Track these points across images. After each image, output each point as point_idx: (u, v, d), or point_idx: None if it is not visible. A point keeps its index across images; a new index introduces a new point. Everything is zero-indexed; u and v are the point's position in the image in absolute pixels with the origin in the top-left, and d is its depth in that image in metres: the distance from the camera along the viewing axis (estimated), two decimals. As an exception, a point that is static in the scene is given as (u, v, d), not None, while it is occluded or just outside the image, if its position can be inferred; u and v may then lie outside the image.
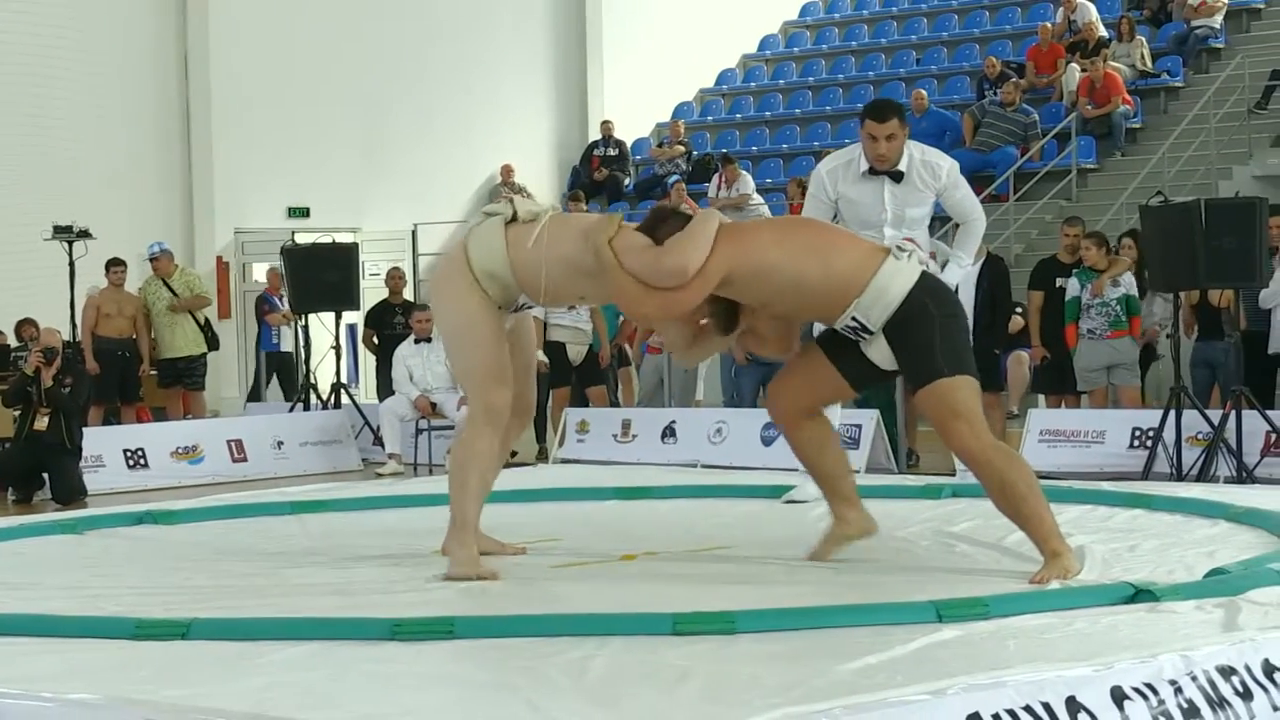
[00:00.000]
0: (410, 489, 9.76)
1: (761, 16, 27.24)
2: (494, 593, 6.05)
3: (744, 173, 22.01)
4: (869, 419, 13.02)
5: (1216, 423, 11.84)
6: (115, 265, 16.98)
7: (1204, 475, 11.52)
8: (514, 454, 12.92)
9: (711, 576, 6.25)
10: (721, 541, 6.91)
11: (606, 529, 7.51)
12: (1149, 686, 4.32)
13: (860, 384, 6.52)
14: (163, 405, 17.33)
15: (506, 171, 24.39)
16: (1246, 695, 4.48)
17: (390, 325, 16.77)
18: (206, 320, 17.38)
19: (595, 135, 25.18)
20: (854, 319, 6.10)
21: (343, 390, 16.29)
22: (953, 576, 6.04)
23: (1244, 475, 11.56)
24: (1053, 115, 21.66)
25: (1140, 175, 19.55)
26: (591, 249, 6.15)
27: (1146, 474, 11.71)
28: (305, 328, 16.97)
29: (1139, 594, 5.29)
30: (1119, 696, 4.24)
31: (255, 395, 18.88)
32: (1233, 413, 11.81)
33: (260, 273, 22.18)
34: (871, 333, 6.13)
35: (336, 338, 16.58)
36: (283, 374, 19.45)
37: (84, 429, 13.88)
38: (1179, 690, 4.36)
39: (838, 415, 8.57)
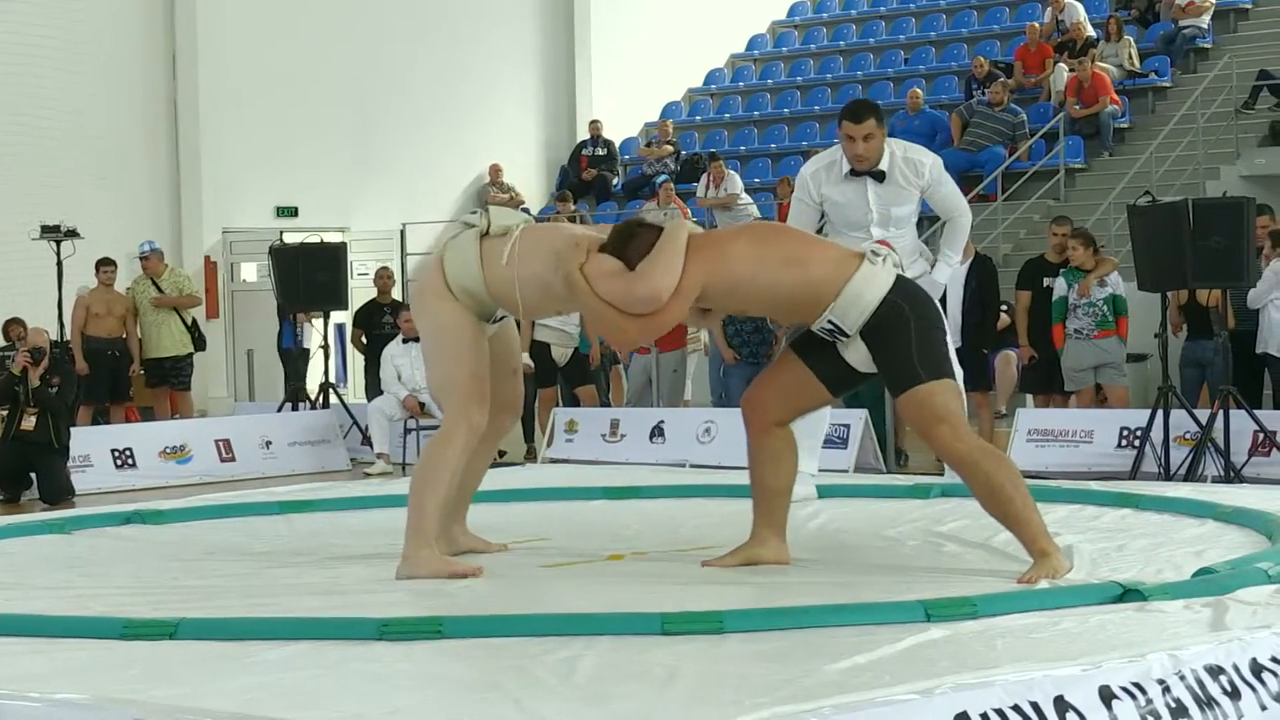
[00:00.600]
0: (398, 489, 9.69)
1: (749, 16, 27.24)
2: (482, 593, 6.04)
3: (732, 172, 22.03)
4: (857, 419, 13.02)
5: (1204, 422, 11.85)
6: (105, 265, 16.96)
7: (1192, 475, 11.54)
8: (502, 454, 12.98)
9: (700, 576, 6.25)
10: (710, 541, 6.90)
11: (595, 529, 7.50)
12: (1137, 686, 4.32)
13: (838, 388, 6.47)
14: (151, 405, 17.31)
15: (495, 171, 24.40)
16: (1234, 694, 4.48)
17: (378, 325, 16.74)
18: (194, 320, 17.36)
19: (583, 135, 25.17)
20: (830, 322, 6.09)
21: (331, 390, 16.27)
22: (941, 576, 6.04)
23: (1232, 475, 11.57)
24: (1041, 115, 21.68)
25: (1128, 175, 19.56)
26: (562, 275, 6.07)
27: (1135, 473, 11.72)
28: (295, 328, 16.94)
29: (1127, 593, 5.29)
30: (1107, 696, 4.24)
31: (294, 397, 16.95)
32: (1220, 412, 11.82)
33: (249, 272, 22.17)
34: (848, 335, 6.12)
35: (325, 338, 16.56)
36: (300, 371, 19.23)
37: (72, 429, 13.87)
38: (1167, 690, 4.36)
39: (826, 416, 8.59)
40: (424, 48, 24.02)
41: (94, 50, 21.53)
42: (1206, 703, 4.40)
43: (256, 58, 22.48)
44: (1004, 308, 14.52)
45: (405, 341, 14.99)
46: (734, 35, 27.13)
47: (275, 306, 17.62)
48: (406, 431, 14.92)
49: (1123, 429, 12.63)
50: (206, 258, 22.16)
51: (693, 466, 12.60)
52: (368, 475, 14.07)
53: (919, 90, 22.43)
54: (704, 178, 22.12)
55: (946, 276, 8.81)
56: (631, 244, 6.07)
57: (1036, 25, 23.18)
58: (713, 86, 26.73)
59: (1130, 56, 21.93)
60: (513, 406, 6.83)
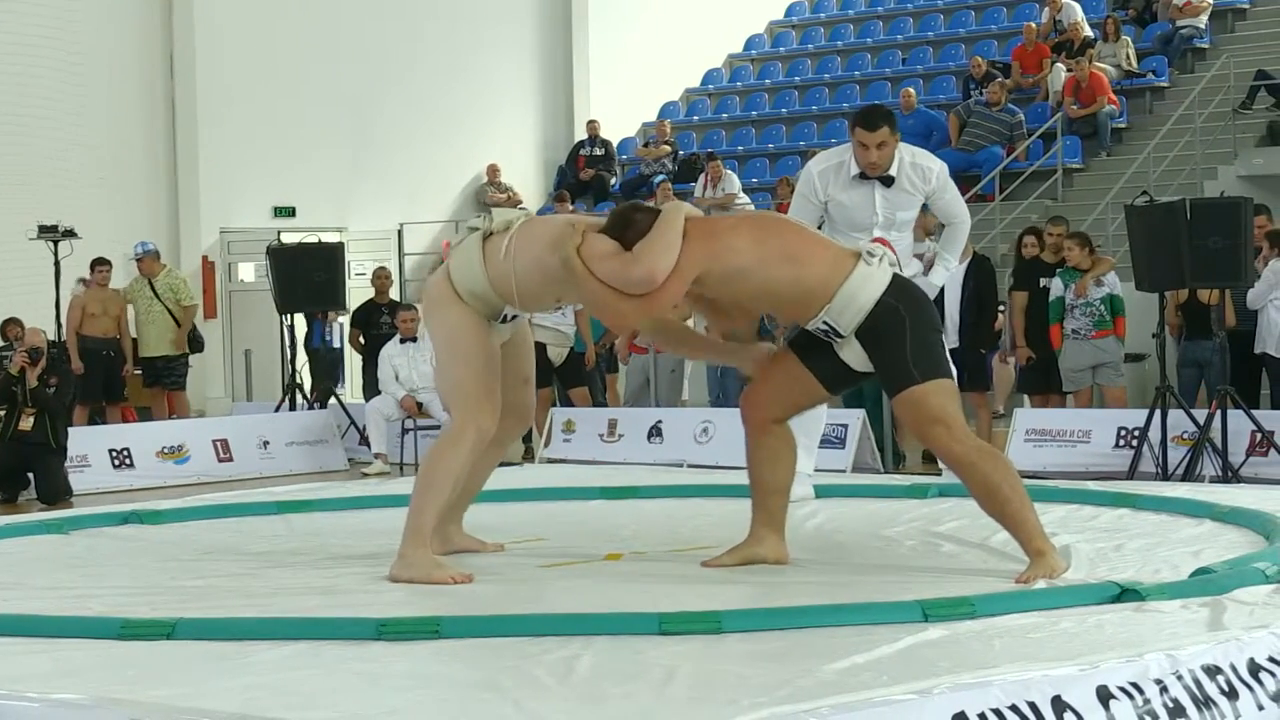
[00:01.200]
0: (396, 489, 9.72)
1: (747, 16, 27.25)
2: (480, 593, 6.04)
3: (729, 172, 22.03)
4: (855, 418, 13.03)
5: (1202, 422, 11.86)
6: (100, 265, 16.97)
7: (1189, 475, 11.54)
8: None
9: (698, 576, 6.24)
10: (708, 541, 6.89)
11: (592, 529, 7.49)
12: (1135, 686, 4.31)
13: (835, 386, 6.47)
14: (148, 405, 17.31)
15: (492, 171, 24.40)
16: (1232, 694, 4.48)
17: (376, 325, 16.75)
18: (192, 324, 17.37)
19: (581, 135, 25.17)
20: (825, 323, 6.09)
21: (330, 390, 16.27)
22: (939, 576, 6.03)
23: (1229, 475, 11.58)
24: (1038, 115, 21.68)
25: (1126, 175, 19.57)
26: (560, 257, 6.07)
27: (1132, 473, 11.73)
28: (291, 328, 16.92)
29: (1125, 593, 5.29)
30: (1105, 696, 4.24)
31: (324, 397, 16.83)
32: (1219, 412, 11.83)
33: (246, 272, 22.16)
34: (843, 336, 6.12)
35: (324, 338, 16.56)
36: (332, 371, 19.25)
37: (69, 429, 13.87)
38: (1165, 689, 4.36)
39: (823, 415, 8.59)
40: (422, 48, 24.02)
41: (92, 51, 21.52)
42: (1204, 703, 4.40)
43: (254, 58, 22.48)
44: (1000, 308, 14.54)
45: (403, 341, 15.00)
46: (731, 35, 27.14)
47: (273, 306, 17.59)
48: (404, 431, 14.92)
49: (1120, 429, 12.63)
50: (204, 258, 22.17)
51: (690, 466, 12.60)
52: (365, 475, 14.08)
53: (912, 90, 22.42)
54: (701, 177, 22.13)
55: (942, 279, 8.84)
56: (630, 229, 6.07)
57: (1034, 25, 23.19)
58: (710, 86, 26.73)
59: (1128, 56, 21.93)
60: (522, 413, 6.80)
